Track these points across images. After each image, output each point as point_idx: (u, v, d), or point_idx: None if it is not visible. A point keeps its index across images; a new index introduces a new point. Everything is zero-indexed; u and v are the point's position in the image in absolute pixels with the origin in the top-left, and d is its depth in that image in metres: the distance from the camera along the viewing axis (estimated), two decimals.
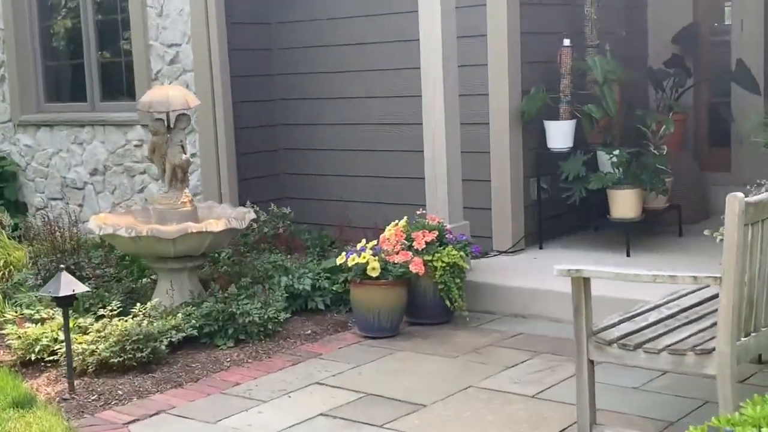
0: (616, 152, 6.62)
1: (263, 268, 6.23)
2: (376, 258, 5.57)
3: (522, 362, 5.11)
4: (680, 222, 7.05)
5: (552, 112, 6.78)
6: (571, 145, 6.83)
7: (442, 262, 5.73)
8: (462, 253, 5.82)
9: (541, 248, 6.90)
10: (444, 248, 5.81)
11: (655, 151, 6.70)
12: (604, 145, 6.82)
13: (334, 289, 6.11)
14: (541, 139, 6.90)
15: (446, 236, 5.90)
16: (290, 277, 6.10)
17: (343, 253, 5.69)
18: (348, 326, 5.90)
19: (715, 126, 7.88)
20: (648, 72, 7.46)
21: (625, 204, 6.54)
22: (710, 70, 7.82)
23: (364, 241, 5.74)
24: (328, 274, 6.24)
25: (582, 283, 3.90)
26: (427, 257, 5.74)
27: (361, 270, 5.56)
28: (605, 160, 6.71)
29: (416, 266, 5.57)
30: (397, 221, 6.06)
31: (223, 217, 6.05)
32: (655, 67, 7.47)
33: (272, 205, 7.35)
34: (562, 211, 7.07)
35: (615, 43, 7.08)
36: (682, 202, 7.03)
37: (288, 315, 5.95)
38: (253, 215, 6.10)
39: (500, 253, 6.77)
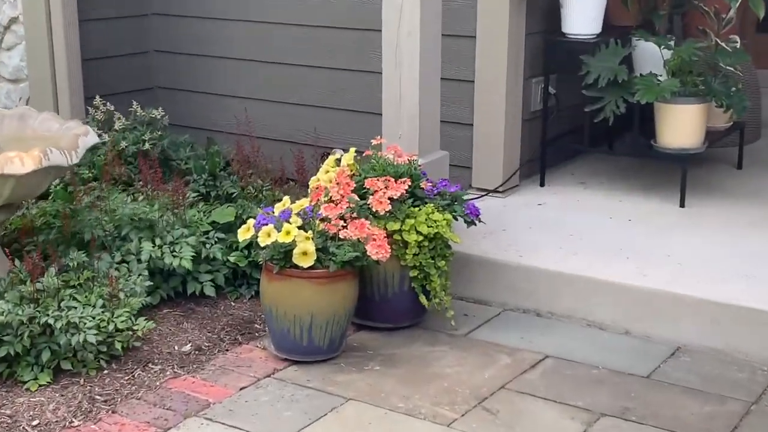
0: (672, 43, 4.28)
1: (112, 223, 3.76)
2: (309, 233, 3.16)
3: None
4: (741, 147, 4.82)
5: None
6: (599, 30, 4.45)
7: (418, 234, 3.38)
8: (448, 216, 3.47)
9: (542, 185, 4.59)
10: (419, 208, 3.45)
11: (725, 45, 4.36)
12: (643, 30, 4.46)
13: (231, 260, 3.72)
14: (551, 21, 4.51)
15: (420, 185, 3.54)
16: (158, 242, 3.65)
17: (250, 221, 3.26)
18: (255, 331, 3.53)
19: None
20: None
21: (685, 127, 4.24)
22: None
23: (286, 200, 3.31)
24: (221, 234, 3.83)
25: None
26: (394, 226, 3.38)
27: (282, 253, 3.17)
28: (648, 56, 4.37)
29: (378, 247, 3.19)
30: (337, 153, 3.66)
31: (41, 140, 3.55)
32: None
33: (134, 103, 4.81)
34: (569, 128, 4.75)
35: None
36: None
37: (155, 302, 3.59)
38: (93, 138, 3.59)
39: (485, 193, 4.44)
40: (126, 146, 4.58)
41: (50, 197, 4.17)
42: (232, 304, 3.74)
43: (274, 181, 4.32)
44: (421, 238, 3.38)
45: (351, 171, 3.57)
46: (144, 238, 3.68)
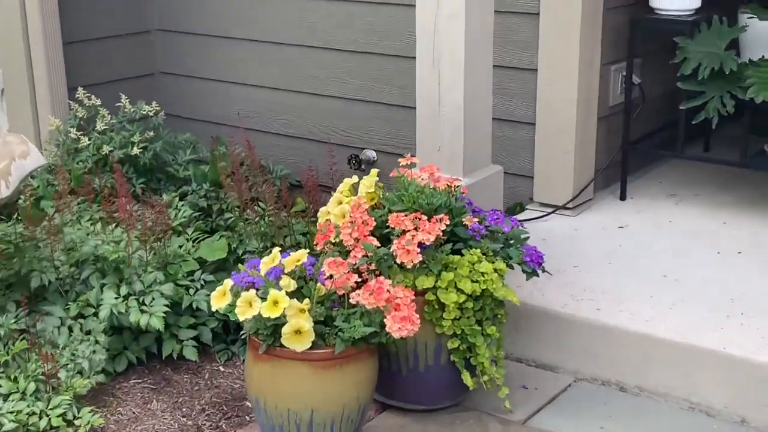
0: None
1: (68, 264, 2.94)
2: (306, 303, 2.29)
3: None
4: None
5: None
6: (698, 4, 3.49)
7: (459, 292, 2.49)
8: (501, 265, 2.57)
9: (623, 198, 3.66)
10: (461, 255, 2.56)
11: None
12: (756, 4, 3.48)
13: (220, 312, 2.87)
14: None
15: (463, 221, 2.64)
16: (124, 289, 2.82)
17: (226, 283, 2.39)
18: (247, 413, 2.69)
19: None
20: None
21: None
22: None
23: (275, 254, 2.41)
24: (210, 276, 2.99)
25: None
26: (426, 282, 2.50)
27: (270, 330, 2.30)
28: (763, 37, 3.40)
29: (402, 321, 2.31)
30: (351, 179, 2.78)
31: None
32: None
33: (123, 97, 3.96)
34: (657, 127, 3.82)
35: None
36: None
37: (120, 368, 2.78)
38: (35, 162, 2.75)
39: (551, 210, 3.53)
40: (110, 151, 3.74)
41: (15, 216, 3.36)
42: (221, 369, 2.90)
43: (281, 202, 3.46)
44: (463, 298, 2.49)
45: (372, 200, 2.70)
46: (108, 285, 2.84)
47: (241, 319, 2.28)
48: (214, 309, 2.36)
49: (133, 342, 2.85)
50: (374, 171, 2.77)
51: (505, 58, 3.51)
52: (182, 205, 3.57)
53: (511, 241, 2.67)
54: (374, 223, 2.56)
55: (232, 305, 2.30)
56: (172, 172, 3.85)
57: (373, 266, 2.49)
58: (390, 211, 2.61)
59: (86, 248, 2.89)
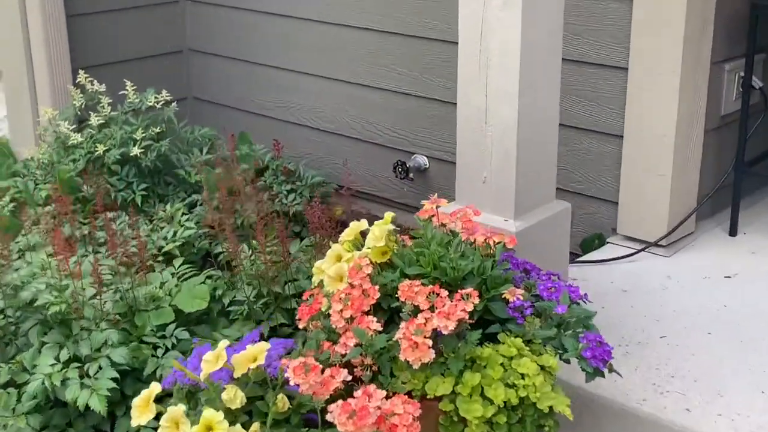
0: None
1: (9, 308, 2.33)
2: (255, 427, 1.61)
3: None
4: None
5: None
6: None
7: (487, 402, 1.78)
8: (550, 360, 1.84)
9: (733, 233, 2.87)
10: (491, 345, 1.84)
11: None
12: None
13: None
14: None
15: (503, 293, 1.91)
16: (65, 352, 2.19)
17: (152, 387, 1.73)
18: None
19: None
20: None
21: None
22: None
23: (220, 349, 1.73)
24: (186, 334, 2.34)
25: None
26: (441, 386, 1.79)
27: None
28: None
29: None
30: (359, 224, 2.08)
31: None
32: None
33: (128, 84, 3.32)
34: None
35: None
36: None
37: None
38: None
39: (640, 248, 2.76)
40: (105, 151, 3.11)
41: None
42: None
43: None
44: (492, 410, 1.78)
45: (383, 256, 2.00)
46: (48, 345, 2.22)
47: None
48: (134, 426, 1.69)
49: (79, 418, 2.22)
50: (389, 215, 2.06)
51: (586, 52, 2.75)
52: (186, 220, 2.94)
53: (570, 321, 1.94)
54: (377, 295, 1.86)
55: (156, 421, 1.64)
56: (182, 175, 3.21)
57: (369, 359, 1.80)
58: (403, 276, 1.91)
59: (25, 293, 2.26)
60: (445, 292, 1.83)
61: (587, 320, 1.96)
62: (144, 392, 1.67)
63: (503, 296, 1.90)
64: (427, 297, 1.82)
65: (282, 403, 1.63)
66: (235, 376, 1.66)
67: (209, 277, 2.47)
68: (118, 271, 2.47)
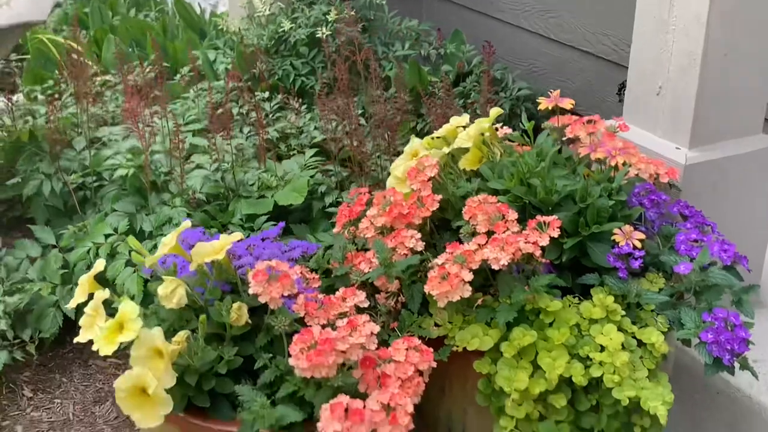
0: None
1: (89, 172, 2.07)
2: (179, 338, 1.20)
3: None
4: None
5: None
6: None
7: (538, 374, 1.26)
8: (653, 335, 1.28)
9: None
10: (577, 299, 1.31)
11: None
12: None
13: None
14: None
15: (613, 227, 1.36)
16: (123, 225, 1.89)
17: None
18: None
19: None
20: None
21: None
22: None
23: (171, 236, 1.33)
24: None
25: None
26: (476, 337, 1.29)
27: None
28: None
29: (353, 421, 1.15)
30: (463, 118, 1.59)
31: None
32: None
33: None
34: None
35: None
36: None
37: None
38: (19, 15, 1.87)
39: None
40: (290, 28, 2.78)
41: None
42: None
43: None
44: (542, 386, 1.26)
45: (477, 162, 1.51)
46: (118, 213, 1.93)
47: (80, 339, 1.25)
48: (71, 306, 1.33)
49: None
50: (495, 111, 1.56)
51: None
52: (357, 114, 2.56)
53: (706, 288, 1.36)
54: (435, 206, 1.39)
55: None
56: (385, 66, 2.83)
57: (394, 286, 1.34)
58: (487, 192, 1.41)
59: (107, 151, 1.98)
60: (514, 215, 1.32)
61: (743, 294, 1.37)
62: (91, 271, 1.32)
63: (613, 238, 1.36)
64: (489, 217, 1.32)
65: (237, 313, 1.21)
66: (191, 268, 1.27)
67: (324, 172, 2.08)
68: (240, 154, 2.15)
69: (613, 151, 1.42)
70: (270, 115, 2.54)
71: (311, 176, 2.01)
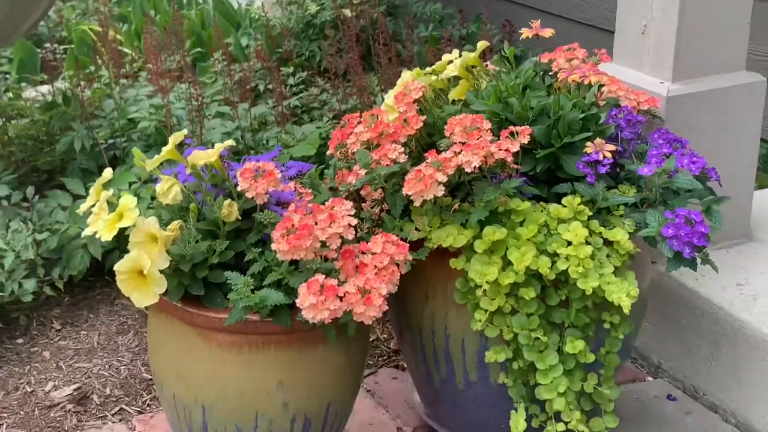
0: None
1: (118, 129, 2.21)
2: (173, 226, 1.32)
3: None
4: None
5: None
6: None
7: (507, 267, 1.36)
8: (618, 233, 1.37)
9: None
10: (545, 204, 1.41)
11: None
12: None
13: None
14: None
15: (583, 138, 1.45)
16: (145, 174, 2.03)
17: (105, 173, 1.49)
18: None
19: None
20: None
21: None
22: None
23: (169, 145, 1.45)
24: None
25: None
26: (451, 236, 1.39)
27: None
28: None
29: (327, 296, 1.25)
30: (452, 54, 1.69)
31: None
32: None
33: None
34: None
35: None
36: None
37: None
38: None
39: None
40: (317, 11, 2.92)
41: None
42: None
43: None
44: (511, 278, 1.35)
45: (467, 89, 1.61)
46: (129, 167, 2.07)
47: (83, 234, 1.38)
48: (83, 210, 1.45)
49: None
50: (482, 44, 1.67)
51: None
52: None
53: (673, 195, 1.44)
54: (419, 125, 1.49)
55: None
56: (399, 50, 2.95)
57: (379, 193, 1.45)
58: (468, 112, 1.52)
59: (132, 107, 2.12)
60: (487, 125, 1.42)
61: (714, 204, 1.45)
62: (99, 179, 1.43)
63: (585, 149, 1.45)
64: (464, 128, 1.42)
65: (228, 209, 1.33)
66: (187, 172, 1.39)
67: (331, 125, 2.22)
68: (264, 120, 2.29)
69: (588, 72, 1.52)
70: (294, 87, 2.67)
71: (325, 131, 2.14)
